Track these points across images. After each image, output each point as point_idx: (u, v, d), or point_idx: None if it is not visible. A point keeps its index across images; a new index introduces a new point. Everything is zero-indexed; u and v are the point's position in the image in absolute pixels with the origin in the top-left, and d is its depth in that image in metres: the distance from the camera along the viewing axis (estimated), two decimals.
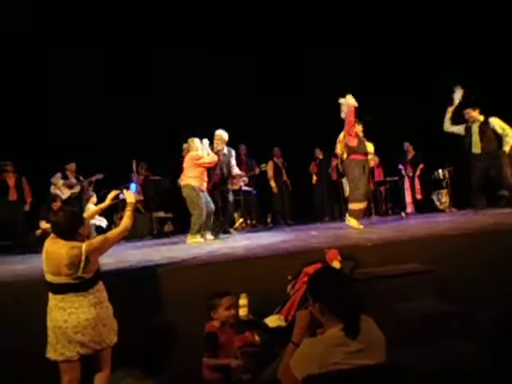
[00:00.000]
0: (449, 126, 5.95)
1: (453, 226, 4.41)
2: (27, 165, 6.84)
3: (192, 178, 5.25)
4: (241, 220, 7.31)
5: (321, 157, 8.67)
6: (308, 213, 8.88)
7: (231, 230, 6.21)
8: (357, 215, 5.05)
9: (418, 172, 8.10)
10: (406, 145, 8.30)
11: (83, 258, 2.26)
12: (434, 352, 2.02)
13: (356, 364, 1.62)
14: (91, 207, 5.90)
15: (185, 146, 5.54)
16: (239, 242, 4.93)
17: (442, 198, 7.57)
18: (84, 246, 2.30)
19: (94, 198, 6.59)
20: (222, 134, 5.81)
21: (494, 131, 5.63)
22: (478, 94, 5.90)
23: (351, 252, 3.15)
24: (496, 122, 5.64)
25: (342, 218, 8.40)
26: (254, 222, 7.78)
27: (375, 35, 8.45)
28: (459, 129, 5.94)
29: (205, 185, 5.44)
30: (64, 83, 7.65)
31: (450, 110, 5.86)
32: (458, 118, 5.98)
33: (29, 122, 7.50)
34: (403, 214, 8.10)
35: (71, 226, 2.36)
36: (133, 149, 7.62)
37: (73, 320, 2.26)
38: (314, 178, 8.68)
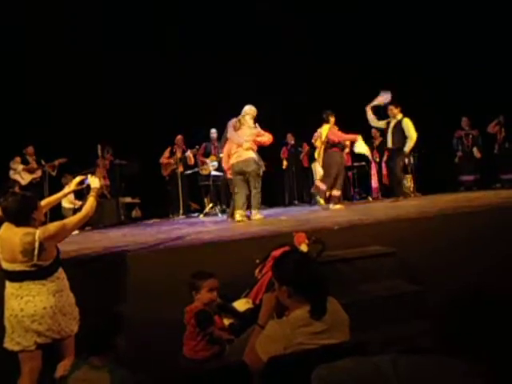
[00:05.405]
0: (373, 121, 6.55)
1: (416, 210, 4.55)
2: None
3: (253, 152, 5.06)
4: (211, 205, 7.27)
5: (292, 142, 8.70)
6: (278, 197, 8.94)
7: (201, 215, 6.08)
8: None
9: (384, 157, 8.26)
10: (374, 131, 8.40)
11: (37, 245, 2.16)
12: (394, 331, 2.10)
13: (320, 344, 1.65)
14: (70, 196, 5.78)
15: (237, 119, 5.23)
16: (209, 226, 4.91)
17: (407, 183, 7.78)
18: (38, 232, 2.19)
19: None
20: (255, 109, 5.32)
21: (404, 131, 6.15)
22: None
23: (319, 235, 3.19)
24: (405, 123, 6.14)
25: (311, 203, 8.56)
26: (223, 206, 7.74)
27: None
28: (382, 123, 6.52)
29: None
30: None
31: (369, 107, 6.44)
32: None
33: None
34: (369, 198, 8.31)
35: (23, 211, 2.24)
36: (98, 132, 7.35)
37: (29, 308, 2.17)
38: (285, 163, 8.72)
